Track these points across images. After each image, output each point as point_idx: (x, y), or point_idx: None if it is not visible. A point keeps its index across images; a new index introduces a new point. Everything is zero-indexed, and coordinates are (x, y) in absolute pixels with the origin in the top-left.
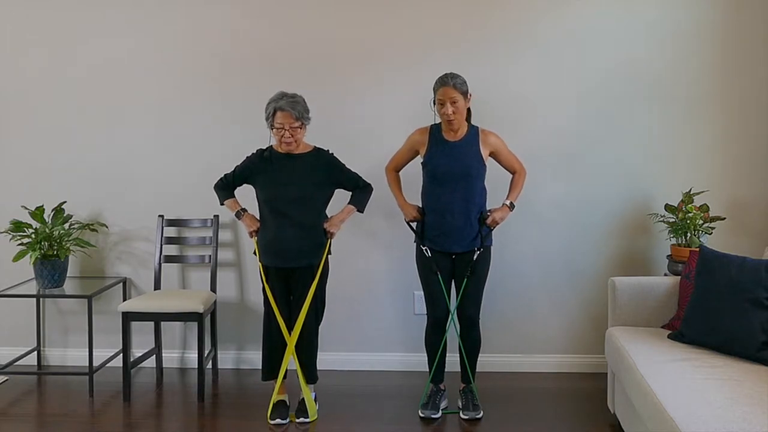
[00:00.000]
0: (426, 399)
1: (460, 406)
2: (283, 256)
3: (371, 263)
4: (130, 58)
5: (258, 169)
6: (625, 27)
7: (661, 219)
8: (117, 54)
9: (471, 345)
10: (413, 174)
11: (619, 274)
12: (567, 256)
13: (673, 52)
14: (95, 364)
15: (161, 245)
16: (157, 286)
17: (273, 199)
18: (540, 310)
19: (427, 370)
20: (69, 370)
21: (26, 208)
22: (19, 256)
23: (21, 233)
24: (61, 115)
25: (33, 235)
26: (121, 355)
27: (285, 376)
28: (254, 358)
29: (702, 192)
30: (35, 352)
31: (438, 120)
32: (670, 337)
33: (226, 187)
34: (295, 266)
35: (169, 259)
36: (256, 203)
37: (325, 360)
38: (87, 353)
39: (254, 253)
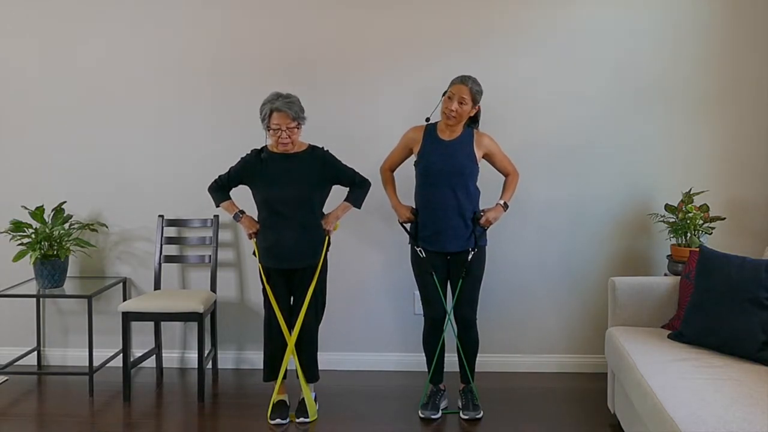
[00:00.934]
0: (426, 399)
1: (460, 406)
2: (284, 258)
3: (371, 263)
4: (130, 58)
5: (254, 169)
6: (626, 27)
7: (661, 219)
8: (117, 54)
9: (469, 345)
10: (408, 177)
11: (619, 274)
12: (567, 256)
13: (674, 52)
14: (95, 364)
15: (161, 245)
16: (157, 286)
17: (270, 199)
18: (540, 310)
19: (427, 370)
20: (69, 370)
21: (26, 208)
22: (19, 256)
23: (21, 233)
24: (61, 115)
25: (33, 235)
26: (121, 355)
27: (285, 376)
28: (254, 358)
29: (702, 192)
30: (35, 352)
31: (437, 116)
32: (670, 337)
33: (220, 189)
34: (295, 267)
35: (169, 259)
36: (254, 204)
37: (325, 360)
38: (87, 353)
39: (254, 254)
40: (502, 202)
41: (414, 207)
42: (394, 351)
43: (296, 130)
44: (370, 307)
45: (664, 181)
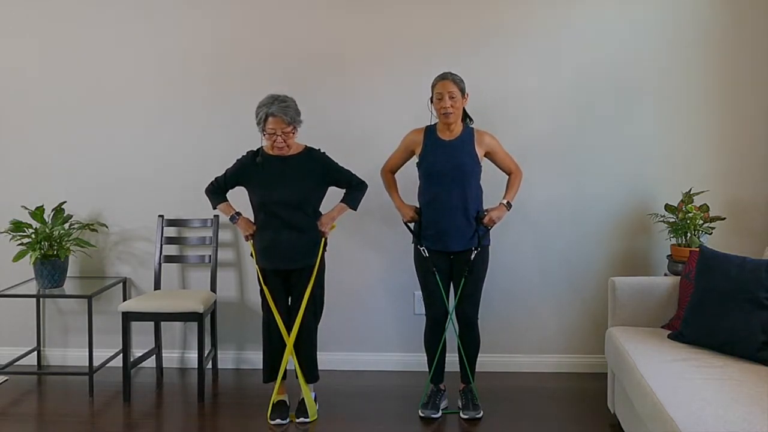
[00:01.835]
0: (426, 399)
1: (460, 406)
2: (281, 259)
3: (371, 263)
4: (130, 58)
5: (250, 171)
6: (626, 27)
7: (661, 219)
8: (117, 54)
9: (470, 345)
10: (410, 176)
11: (619, 274)
12: (567, 256)
13: (674, 52)
14: (95, 364)
15: (161, 245)
16: (157, 286)
17: (267, 201)
18: (540, 310)
19: (427, 370)
20: (69, 370)
21: (26, 208)
22: (19, 256)
23: (21, 233)
24: (61, 115)
25: (33, 235)
26: (121, 355)
27: (285, 376)
28: (254, 358)
29: (702, 192)
30: (35, 352)
31: (434, 121)
32: (670, 337)
33: (217, 191)
34: (292, 268)
35: (169, 259)
36: (250, 206)
37: (325, 360)
38: (87, 353)
39: (251, 255)
40: (505, 201)
41: (417, 206)
42: (394, 351)
43: (292, 134)
44: (370, 307)
45: (664, 181)
